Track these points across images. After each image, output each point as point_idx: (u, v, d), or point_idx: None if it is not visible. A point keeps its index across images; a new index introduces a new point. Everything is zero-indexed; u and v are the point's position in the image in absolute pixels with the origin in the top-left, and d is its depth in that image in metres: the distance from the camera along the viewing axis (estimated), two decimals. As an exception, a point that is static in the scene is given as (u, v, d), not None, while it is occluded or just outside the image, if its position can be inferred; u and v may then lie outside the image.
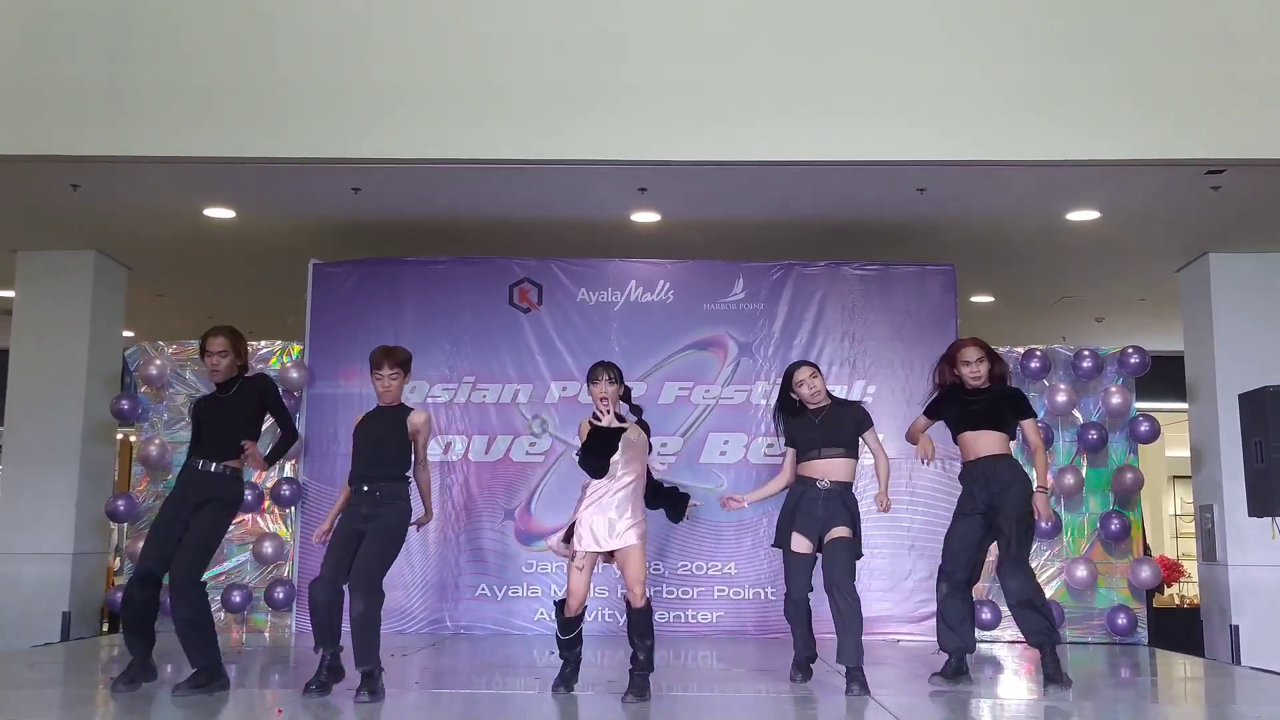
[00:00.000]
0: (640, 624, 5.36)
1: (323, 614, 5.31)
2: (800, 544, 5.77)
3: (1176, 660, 7.69)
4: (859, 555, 5.79)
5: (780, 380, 6.18)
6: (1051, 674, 5.69)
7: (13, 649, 7.82)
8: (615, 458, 5.41)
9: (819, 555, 5.76)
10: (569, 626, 5.47)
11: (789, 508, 5.86)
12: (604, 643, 7.37)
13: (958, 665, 5.95)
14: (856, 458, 5.91)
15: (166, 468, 8.54)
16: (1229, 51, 6.64)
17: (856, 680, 5.53)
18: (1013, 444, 6.03)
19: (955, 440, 6.10)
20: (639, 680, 5.29)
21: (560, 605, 5.48)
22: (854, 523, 5.77)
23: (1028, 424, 6.03)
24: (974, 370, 6.01)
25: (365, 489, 5.47)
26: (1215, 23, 6.67)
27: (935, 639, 6.08)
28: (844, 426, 5.90)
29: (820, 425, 5.87)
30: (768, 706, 5.53)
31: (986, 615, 8.07)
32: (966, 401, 6.04)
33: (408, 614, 8.16)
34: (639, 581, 5.34)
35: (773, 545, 6.06)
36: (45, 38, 6.80)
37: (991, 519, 5.87)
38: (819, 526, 5.74)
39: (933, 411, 6.23)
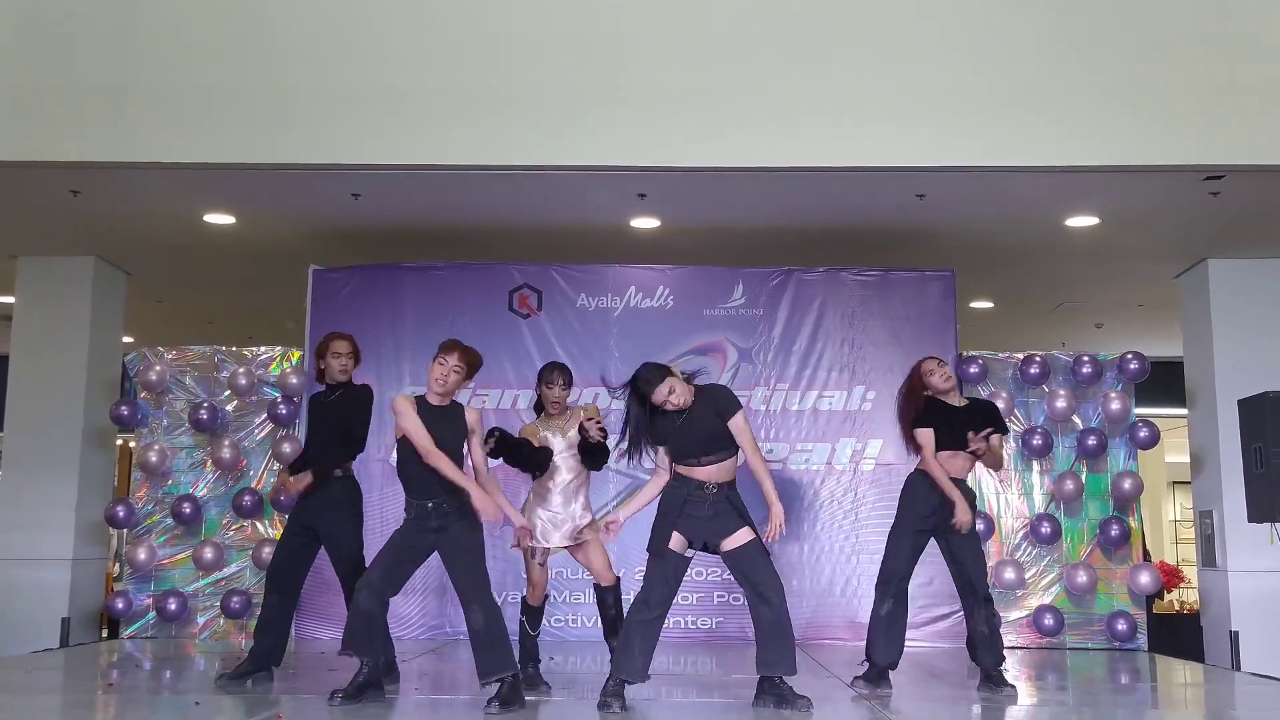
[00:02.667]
0: (613, 597, 5.81)
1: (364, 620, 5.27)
2: (678, 544, 5.22)
3: (1176, 666, 7.69)
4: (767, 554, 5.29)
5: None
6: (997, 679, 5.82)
7: (12, 655, 7.80)
8: (556, 458, 5.77)
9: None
10: (536, 617, 5.94)
11: (673, 508, 5.22)
12: (599, 648, 7.35)
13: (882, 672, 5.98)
14: (736, 452, 5.27)
15: (166, 473, 8.54)
16: (1228, 56, 6.65)
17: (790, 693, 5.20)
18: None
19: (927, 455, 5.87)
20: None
21: (524, 600, 5.95)
22: (749, 522, 5.23)
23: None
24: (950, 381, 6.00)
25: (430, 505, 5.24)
26: (1214, 28, 6.69)
27: (891, 646, 5.98)
28: (712, 423, 5.23)
29: (688, 428, 5.22)
30: (766, 710, 5.52)
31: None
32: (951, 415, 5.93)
33: (406, 619, 8.14)
34: (606, 568, 5.78)
35: (649, 550, 5.30)
36: (45, 43, 6.81)
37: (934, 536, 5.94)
38: (703, 531, 5.22)
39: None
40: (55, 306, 9.28)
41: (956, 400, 6.02)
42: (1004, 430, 6.09)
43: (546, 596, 6.01)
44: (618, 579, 5.89)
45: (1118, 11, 6.74)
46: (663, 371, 5.23)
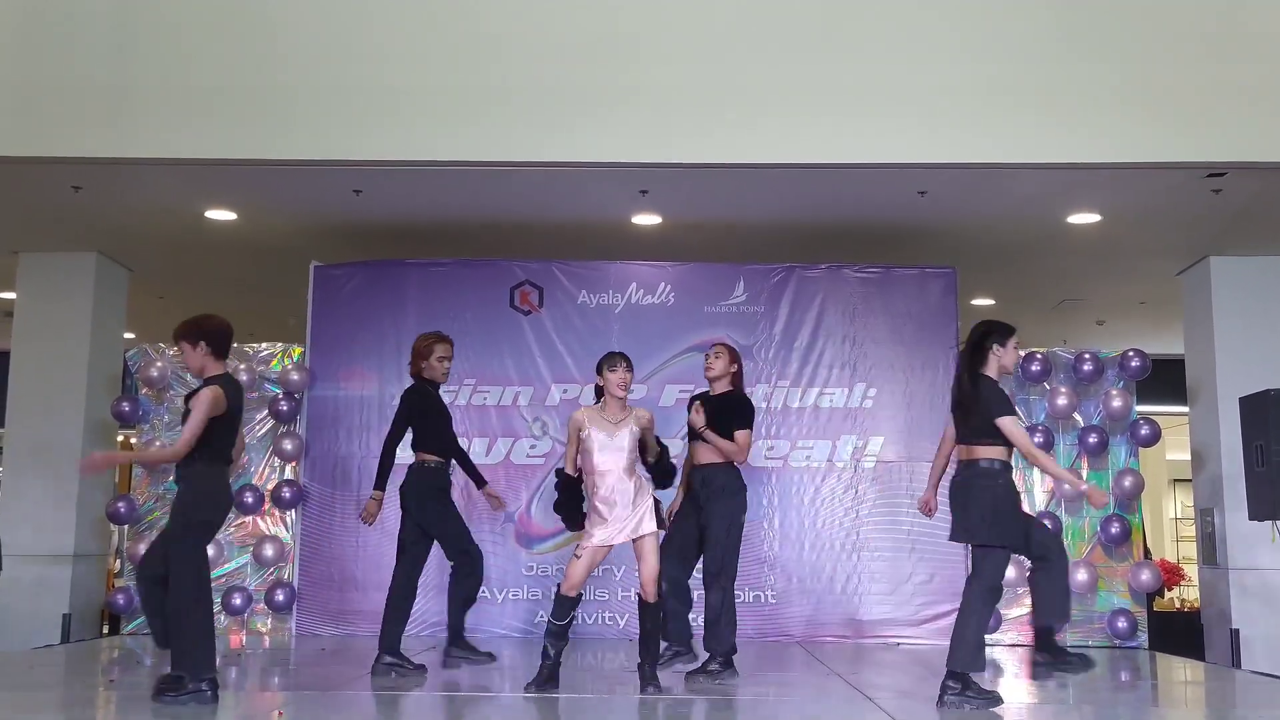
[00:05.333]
0: (651, 615, 5.49)
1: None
2: None
3: (1177, 664, 7.69)
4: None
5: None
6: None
7: (13, 650, 7.82)
8: (608, 460, 5.42)
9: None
10: (566, 607, 5.46)
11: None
12: (603, 644, 7.36)
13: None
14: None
15: (167, 470, 8.53)
16: (1230, 54, 6.64)
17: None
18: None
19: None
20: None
21: (558, 590, 5.54)
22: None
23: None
24: None
25: None
26: (1216, 26, 6.68)
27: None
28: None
29: None
30: (766, 707, 5.53)
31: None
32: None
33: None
34: (652, 580, 5.41)
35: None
36: (47, 39, 6.81)
37: None
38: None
39: None
40: (57, 302, 9.28)
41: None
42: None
43: (580, 595, 5.58)
44: (661, 598, 5.56)
45: (1120, 9, 6.73)
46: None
